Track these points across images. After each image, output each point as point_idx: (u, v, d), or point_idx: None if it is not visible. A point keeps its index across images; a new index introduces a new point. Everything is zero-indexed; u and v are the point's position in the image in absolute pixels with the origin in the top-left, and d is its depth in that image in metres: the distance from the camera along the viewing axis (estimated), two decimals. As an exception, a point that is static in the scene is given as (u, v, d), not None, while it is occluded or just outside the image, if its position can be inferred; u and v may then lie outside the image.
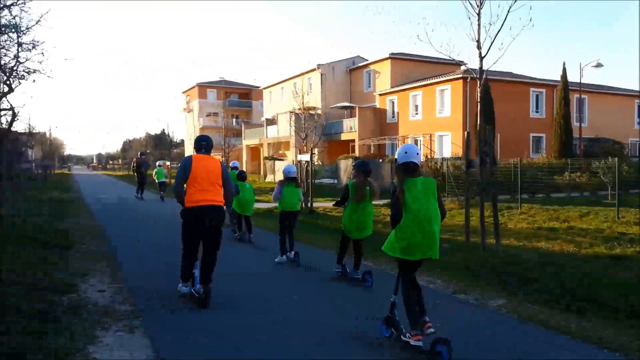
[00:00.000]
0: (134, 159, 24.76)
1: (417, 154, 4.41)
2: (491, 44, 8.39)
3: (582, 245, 9.27)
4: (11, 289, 6.01)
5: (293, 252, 8.04)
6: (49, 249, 8.57)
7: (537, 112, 31.66)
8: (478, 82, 8.85)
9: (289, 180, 8.16)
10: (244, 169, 45.51)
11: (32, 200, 17.55)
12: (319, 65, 38.37)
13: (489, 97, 24.27)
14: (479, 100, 8.97)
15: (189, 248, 5.80)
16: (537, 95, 31.64)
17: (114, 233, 11.25)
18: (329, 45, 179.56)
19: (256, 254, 9.29)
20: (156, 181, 21.01)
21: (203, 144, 6.00)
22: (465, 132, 9.35)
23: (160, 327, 4.86)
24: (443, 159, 23.81)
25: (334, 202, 7.28)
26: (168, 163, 36.24)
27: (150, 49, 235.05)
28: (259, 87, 54.67)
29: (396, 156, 4.47)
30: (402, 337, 4.30)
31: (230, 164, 13.80)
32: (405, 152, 4.39)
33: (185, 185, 5.68)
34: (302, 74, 40.31)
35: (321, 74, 38.30)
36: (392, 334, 4.50)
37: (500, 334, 4.79)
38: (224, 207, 5.82)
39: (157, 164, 22.74)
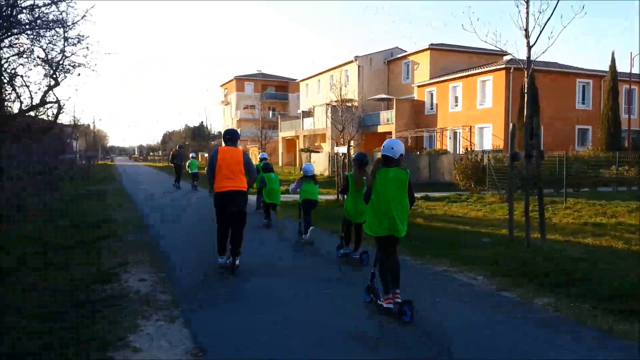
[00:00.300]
0: (171, 151, 26.14)
1: (392, 148, 5.12)
2: (540, 32, 8.06)
3: (632, 242, 8.80)
4: (54, 278, 6.19)
5: (308, 234, 8.88)
6: (89, 239, 8.80)
7: (583, 103, 30.44)
8: (525, 73, 8.52)
9: (307, 178, 9.12)
10: (280, 161, 46.01)
11: (76, 190, 18.15)
12: (356, 57, 38.05)
13: (534, 88, 23.47)
14: (525, 91, 8.63)
15: (220, 226, 6.85)
16: (583, 86, 30.40)
17: (153, 222, 11.54)
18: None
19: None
20: (189, 172, 21.92)
21: (228, 137, 6.96)
22: (511, 124, 9.01)
23: (199, 319, 4.89)
24: (483, 151, 23.22)
25: (339, 191, 7.88)
26: (207, 155, 37.09)
27: (187, 43, 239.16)
28: (295, 79, 54.74)
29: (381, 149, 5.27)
30: (378, 301, 5.16)
31: (259, 156, 14.57)
32: (385, 147, 5.19)
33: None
34: (339, 66, 40.08)
35: (358, 66, 37.97)
36: (371, 300, 5.31)
37: (544, 334, 4.57)
38: (247, 191, 6.80)
39: (191, 155, 23.62)
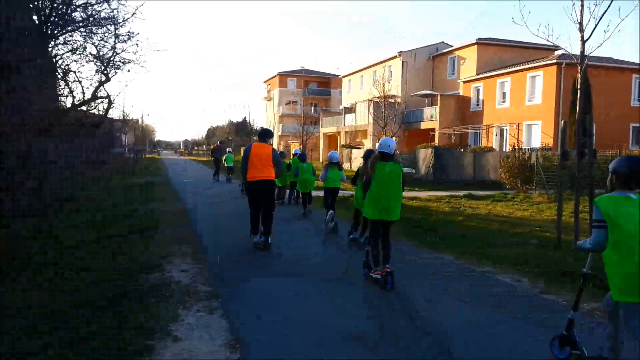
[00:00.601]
0: (213, 146, 28.31)
1: (389, 146, 6.09)
2: (595, 25, 7.65)
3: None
4: (100, 268, 6.41)
5: (333, 223, 9.57)
6: (135, 230, 9.07)
7: (639, 100, 28.92)
8: (578, 68, 8.13)
9: (332, 164, 10.09)
10: (321, 157, 46.09)
11: (124, 182, 18.79)
12: (400, 52, 37.53)
13: (588, 84, 22.43)
14: (579, 87, 8.23)
15: (252, 209, 7.97)
16: (639, 83, 28.86)
17: (195, 213, 11.96)
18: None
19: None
20: (225, 165, 23.23)
21: (261, 135, 8.21)
22: (562, 122, 8.65)
23: (237, 311, 4.95)
24: (531, 149, 22.46)
25: (350, 181, 8.76)
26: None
27: (232, 38, 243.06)
28: (338, 75, 54.63)
29: (377, 146, 6.35)
30: (370, 273, 6.11)
31: (293, 151, 16.06)
32: (382, 145, 6.14)
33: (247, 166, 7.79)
34: (383, 61, 39.64)
35: (402, 62, 37.43)
36: (367, 272, 6.23)
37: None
38: (274, 181, 8.00)
39: (227, 150, 24.73)
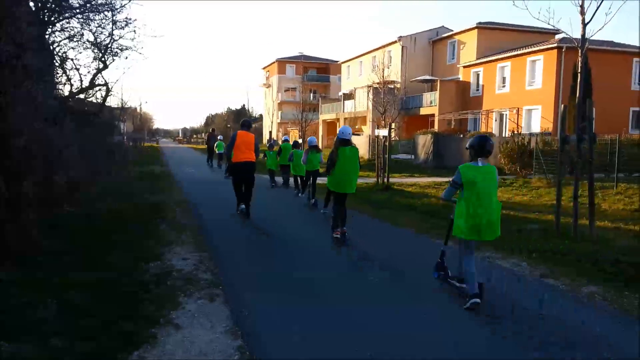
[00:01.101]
0: (207, 134, 29.92)
1: (349, 133, 7.69)
2: (597, 8, 7.59)
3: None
4: (103, 258, 6.43)
5: (314, 200, 11.39)
6: (136, 217, 9.08)
7: (639, 84, 28.76)
8: (579, 52, 8.07)
9: (312, 148, 11.56)
10: (320, 144, 45.94)
11: (123, 170, 18.73)
12: (399, 37, 37.20)
13: (588, 68, 22.30)
14: (579, 71, 8.17)
15: (236, 185, 9.59)
16: (640, 66, 28.69)
17: (193, 197, 12.48)
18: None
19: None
20: (216, 152, 24.36)
21: (244, 124, 9.72)
22: (562, 106, 8.61)
23: (238, 299, 4.99)
24: (531, 134, 22.43)
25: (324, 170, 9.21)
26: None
27: (230, 25, 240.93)
28: (337, 61, 54.22)
29: (337, 133, 7.83)
30: (333, 234, 7.72)
31: (282, 138, 17.93)
32: (342, 132, 7.67)
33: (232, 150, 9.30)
34: (382, 47, 39.30)
35: (402, 47, 37.13)
36: (335, 233, 7.71)
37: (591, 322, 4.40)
38: (255, 162, 9.46)
39: (219, 137, 25.89)
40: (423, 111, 34.61)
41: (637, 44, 29.96)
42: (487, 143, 4.80)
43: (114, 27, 13.57)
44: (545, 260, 6.48)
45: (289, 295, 5.12)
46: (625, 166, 15.80)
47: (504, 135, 26.43)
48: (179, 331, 4.13)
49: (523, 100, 28.53)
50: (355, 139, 33.86)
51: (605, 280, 5.60)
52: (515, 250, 6.99)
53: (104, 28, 13.60)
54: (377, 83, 30.01)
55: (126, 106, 34.22)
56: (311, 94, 58.42)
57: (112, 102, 27.70)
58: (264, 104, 71.02)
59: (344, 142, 7.56)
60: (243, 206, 9.52)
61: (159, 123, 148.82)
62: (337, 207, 7.75)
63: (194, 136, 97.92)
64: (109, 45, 13.83)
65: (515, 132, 24.04)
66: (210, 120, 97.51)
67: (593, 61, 23.54)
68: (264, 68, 71.65)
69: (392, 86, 33.95)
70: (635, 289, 5.26)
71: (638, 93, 28.40)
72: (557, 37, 28.03)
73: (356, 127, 40.87)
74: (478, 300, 4.63)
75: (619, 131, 19.50)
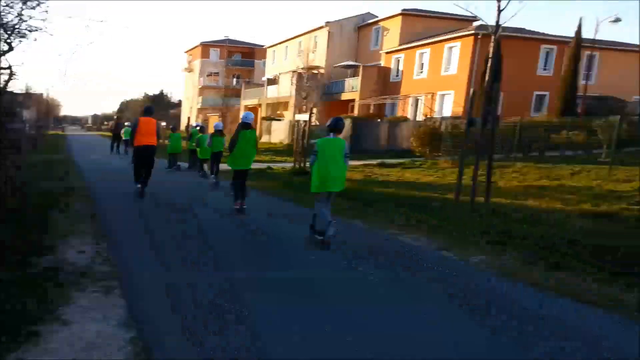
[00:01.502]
0: (114, 121, 30.94)
1: (251, 119, 8.70)
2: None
3: (569, 202, 9.21)
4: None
5: (215, 178, 12.82)
6: (30, 210, 8.50)
7: (545, 69, 30.71)
8: (492, 37, 8.55)
9: (216, 132, 12.93)
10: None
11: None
12: (327, 22, 36.94)
13: (499, 54, 23.56)
14: (490, 56, 8.65)
15: (136, 165, 10.32)
16: (547, 52, 30.53)
17: (93, 185, 12.09)
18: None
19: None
20: (123, 138, 24.88)
21: (146, 110, 10.48)
22: (471, 90, 9.08)
23: (136, 289, 4.85)
24: (442, 118, 23.45)
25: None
26: (164, 123, 39.25)
27: (151, 8, 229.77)
28: (263, 46, 53.36)
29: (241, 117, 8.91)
30: (234, 205, 8.60)
31: (193, 124, 19.50)
32: (245, 117, 8.67)
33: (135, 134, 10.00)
34: (309, 32, 39.01)
35: (329, 32, 37.00)
36: (237, 204, 8.66)
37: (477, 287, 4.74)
38: (156, 146, 10.22)
39: (126, 124, 26.02)
40: (345, 96, 35.06)
41: (547, 32, 31.94)
42: (339, 122, 6.33)
43: (23, 7, 12.41)
44: (442, 234, 6.87)
45: (190, 275, 5.10)
46: (526, 146, 17.03)
47: (417, 120, 27.43)
48: (67, 326, 3.95)
49: (438, 85, 29.70)
50: (275, 125, 33.84)
51: (492, 250, 6.05)
52: (415, 226, 7.36)
53: (12, 7, 12.38)
54: (302, 68, 30.09)
55: (31, 92, 31.87)
56: (234, 79, 57.33)
57: (17, 87, 25.56)
58: (185, 89, 68.69)
59: (245, 126, 8.45)
60: (137, 185, 10.24)
61: (68, 110, 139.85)
62: (237, 183, 8.64)
63: (105, 123, 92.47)
64: (17, 26, 12.66)
65: (429, 116, 25.03)
66: (124, 106, 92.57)
67: (506, 48, 24.83)
68: (187, 52, 68.99)
69: (316, 72, 34.12)
70: (517, 256, 5.74)
71: (542, 78, 30.39)
72: (475, 24, 29.26)
73: (278, 112, 40.71)
74: (325, 238, 6.10)
75: (523, 114, 20.93)
